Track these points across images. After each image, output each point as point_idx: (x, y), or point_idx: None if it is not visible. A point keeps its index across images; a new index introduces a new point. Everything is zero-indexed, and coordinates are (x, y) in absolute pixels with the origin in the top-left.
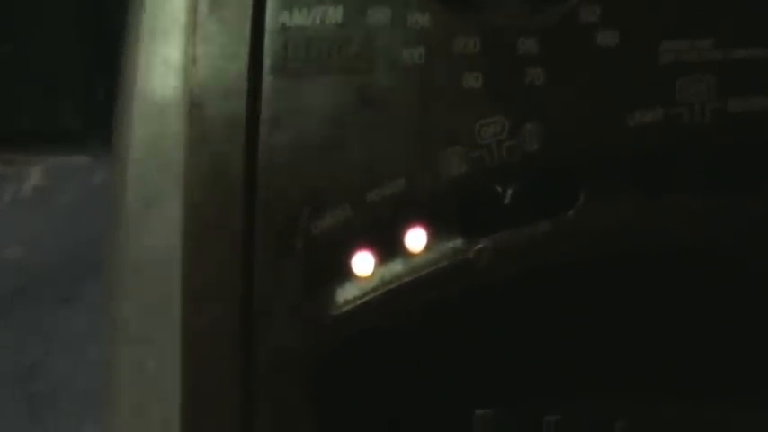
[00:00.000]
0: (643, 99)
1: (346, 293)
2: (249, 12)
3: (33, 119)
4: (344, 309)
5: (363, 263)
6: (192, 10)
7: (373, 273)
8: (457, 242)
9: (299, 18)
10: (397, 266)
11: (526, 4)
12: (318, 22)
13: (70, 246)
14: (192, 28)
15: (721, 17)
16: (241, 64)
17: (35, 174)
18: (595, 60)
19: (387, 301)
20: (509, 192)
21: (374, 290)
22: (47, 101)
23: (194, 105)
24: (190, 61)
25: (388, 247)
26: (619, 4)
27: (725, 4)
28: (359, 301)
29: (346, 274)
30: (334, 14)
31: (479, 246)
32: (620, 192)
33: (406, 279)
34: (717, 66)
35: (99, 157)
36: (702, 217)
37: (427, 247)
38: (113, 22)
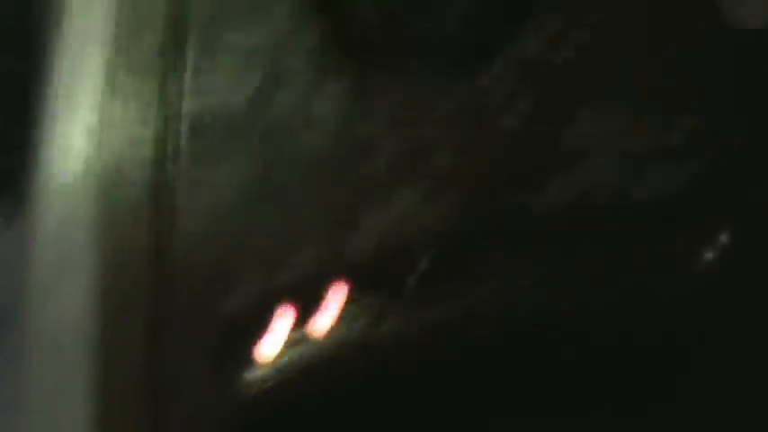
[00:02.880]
0: (547, 179)
1: (254, 374)
2: (155, 97)
3: None
4: (252, 389)
5: (271, 343)
6: (99, 93)
7: (280, 353)
8: (378, 300)
9: (204, 102)
10: (303, 348)
11: (439, 73)
12: (223, 106)
13: None
14: (100, 112)
15: (624, 103)
16: (147, 148)
17: None
18: (502, 141)
19: (294, 381)
20: (427, 253)
21: (281, 370)
22: None
23: (101, 189)
24: (97, 145)
25: (311, 307)
26: (526, 86)
27: (627, 92)
28: (267, 382)
29: (254, 354)
30: (240, 98)
31: (398, 305)
32: (524, 269)
33: (313, 360)
34: (621, 149)
35: None
36: (607, 292)
37: (334, 329)
38: (21, 99)
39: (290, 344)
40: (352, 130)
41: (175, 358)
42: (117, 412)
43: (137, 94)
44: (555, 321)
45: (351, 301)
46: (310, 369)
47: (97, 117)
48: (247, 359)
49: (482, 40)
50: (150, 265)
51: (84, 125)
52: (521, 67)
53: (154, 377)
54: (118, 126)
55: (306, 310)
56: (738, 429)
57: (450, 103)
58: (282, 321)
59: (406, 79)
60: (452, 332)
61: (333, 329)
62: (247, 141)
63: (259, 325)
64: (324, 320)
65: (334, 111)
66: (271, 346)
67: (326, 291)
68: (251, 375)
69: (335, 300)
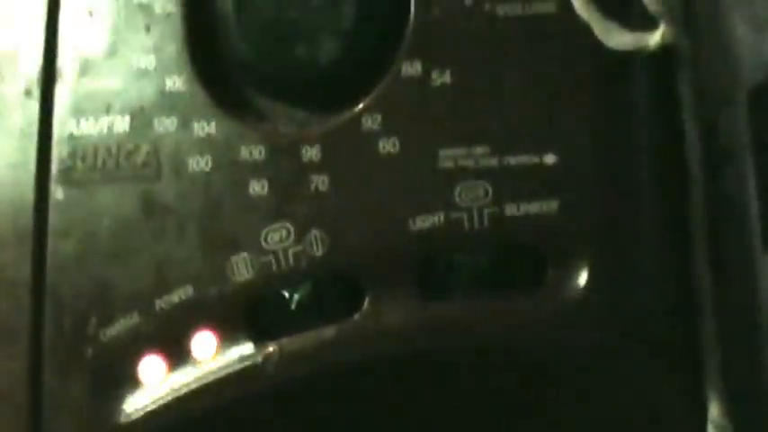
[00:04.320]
0: (424, 204)
1: (136, 401)
2: (36, 120)
3: None
4: (133, 417)
5: (153, 370)
6: None
7: (163, 380)
8: (245, 347)
9: (86, 127)
10: (186, 373)
11: (309, 113)
12: (106, 130)
13: None
14: None
15: (495, 126)
16: (28, 173)
17: None
18: (377, 167)
19: (176, 407)
20: (296, 296)
21: (163, 397)
22: None
23: None
24: None
25: (178, 354)
26: (399, 113)
27: (498, 114)
28: (148, 409)
29: (135, 381)
30: (122, 123)
31: (268, 350)
32: (403, 295)
33: (195, 385)
34: (493, 172)
35: None
36: (482, 318)
37: (216, 353)
38: None
39: (172, 369)
40: (236, 153)
41: (56, 387)
42: None
43: (19, 116)
44: (429, 350)
45: (232, 325)
46: (192, 394)
47: None
48: (128, 386)
49: (356, 75)
50: (33, 290)
51: None
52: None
53: (34, 407)
54: (0, 149)
55: (188, 335)
56: None
57: (330, 129)
58: (165, 346)
59: (282, 107)
60: (331, 357)
61: (214, 355)
62: (131, 163)
63: (140, 350)
64: (206, 345)
65: (219, 132)
66: (152, 371)
67: (209, 315)
68: (131, 403)
69: (217, 325)
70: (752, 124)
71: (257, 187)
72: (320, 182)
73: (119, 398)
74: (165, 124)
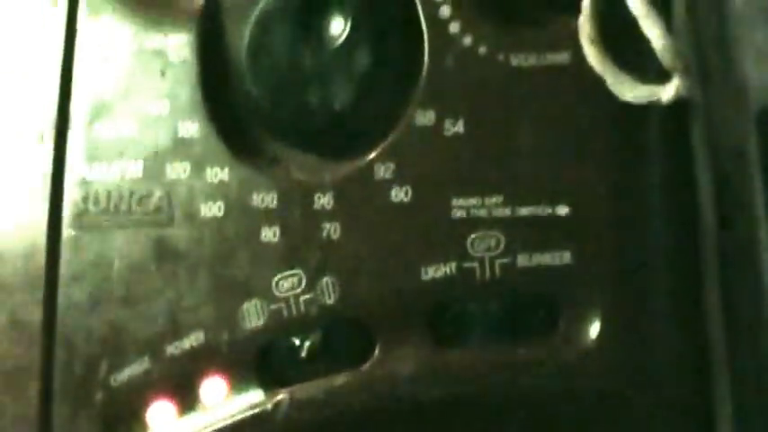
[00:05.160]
0: (436, 253)
1: None
2: (50, 164)
3: None
4: None
5: (162, 415)
6: None
7: (173, 425)
8: (256, 394)
9: (99, 171)
10: (195, 419)
11: (322, 160)
12: (118, 175)
13: None
14: None
15: (508, 176)
16: (41, 216)
17: None
18: (390, 215)
19: None
20: (307, 344)
21: None
22: None
23: None
24: None
25: (188, 400)
26: (412, 162)
27: (511, 164)
28: None
29: (145, 426)
30: (135, 168)
31: (278, 398)
32: (414, 343)
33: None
34: (506, 222)
35: None
36: (493, 367)
37: (226, 400)
38: None
39: (182, 414)
40: (249, 199)
41: (66, 430)
42: None
43: (31, 161)
44: (440, 399)
45: (243, 372)
46: None
47: None
48: (137, 430)
49: (369, 122)
50: (44, 333)
51: None
52: (410, 142)
53: None
54: (13, 193)
55: (198, 381)
56: None
57: (343, 177)
58: (175, 392)
59: (296, 153)
60: (341, 405)
61: (224, 401)
62: (143, 208)
63: (151, 396)
64: (216, 391)
65: (231, 178)
66: (162, 417)
67: (219, 361)
68: None
69: (228, 371)
70: (761, 145)
71: (269, 234)
72: (332, 229)
73: None
74: (178, 170)
